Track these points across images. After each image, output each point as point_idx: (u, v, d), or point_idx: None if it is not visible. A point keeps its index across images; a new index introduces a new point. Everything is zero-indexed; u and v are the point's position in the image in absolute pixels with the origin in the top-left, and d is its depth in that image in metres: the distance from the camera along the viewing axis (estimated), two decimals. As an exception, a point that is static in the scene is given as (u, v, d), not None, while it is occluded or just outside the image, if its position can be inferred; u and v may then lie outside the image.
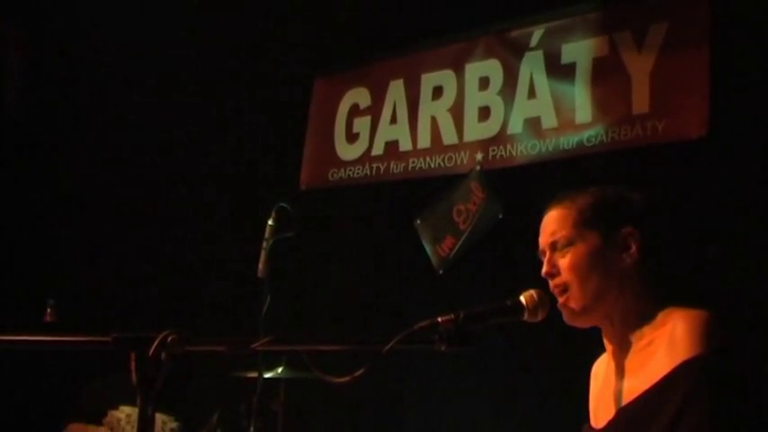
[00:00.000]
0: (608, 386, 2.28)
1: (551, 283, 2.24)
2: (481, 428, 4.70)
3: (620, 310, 2.22)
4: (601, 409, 2.31)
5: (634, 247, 2.23)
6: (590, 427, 2.34)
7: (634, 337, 2.20)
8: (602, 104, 4.54)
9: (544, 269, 2.27)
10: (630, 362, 2.20)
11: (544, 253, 2.30)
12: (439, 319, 2.08)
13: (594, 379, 2.42)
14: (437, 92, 5.29)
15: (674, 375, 2.02)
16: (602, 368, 2.36)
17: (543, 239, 2.31)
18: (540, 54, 4.85)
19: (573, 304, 2.21)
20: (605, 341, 2.32)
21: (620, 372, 2.23)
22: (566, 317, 2.24)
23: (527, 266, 2.40)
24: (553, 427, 4.25)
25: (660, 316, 2.17)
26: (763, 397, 2.09)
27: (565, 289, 2.23)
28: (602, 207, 2.27)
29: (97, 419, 4.81)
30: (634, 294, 2.21)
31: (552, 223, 2.30)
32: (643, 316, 2.19)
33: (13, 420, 6.18)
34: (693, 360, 2.01)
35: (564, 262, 2.24)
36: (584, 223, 2.25)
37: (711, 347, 2.01)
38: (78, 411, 4.90)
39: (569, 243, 2.24)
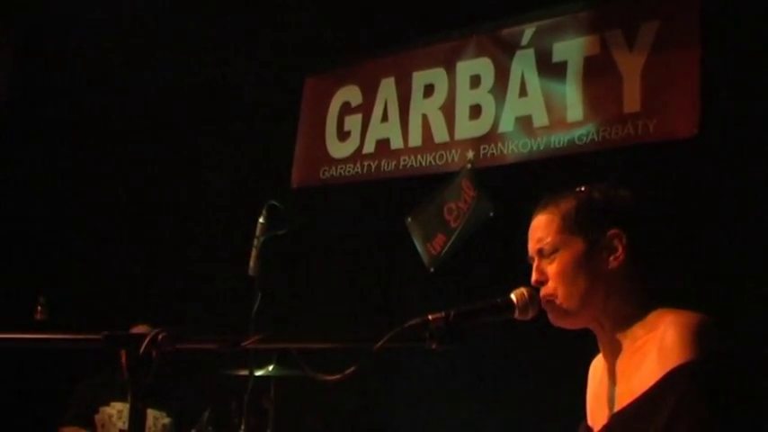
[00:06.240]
0: (603, 388, 2.27)
1: (541, 292, 2.22)
2: (472, 427, 4.70)
3: (610, 312, 2.20)
4: (596, 410, 2.30)
5: (620, 249, 2.20)
6: (587, 425, 2.34)
7: (625, 340, 2.18)
8: (593, 103, 4.55)
9: (533, 277, 2.25)
10: (622, 366, 2.18)
11: (533, 259, 2.29)
12: (430, 317, 2.08)
13: (592, 377, 2.41)
14: (428, 90, 5.29)
15: (664, 383, 2.00)
16: (599, 367, 2.35)
17: (531, 246, 2.29)
18: (531, 52, 4.86)
19: (558, 307, 2.21)
20: (599, 345, 2.31)
21: (613, 375, 2.22)
22: (551, 319, 2.23)
23: (518, 264, 2.40)
24: (545, 425, 4.26)
25: (650, 317, 2.15)
26: (755, 403, 2.07)
27: (554, 296, 2.22)
28: (587, 210, 2.24)
29: (89, 419, 4.80)
30: (622, 296, 2.19)
31: (538, 230, 2.28)
32: (633, 317, 2.17)
33: (4, 421, 6.17)
34: (683, 367, 1.99)
35: (551, 269, 2.22)
36: (568, 229, 2.22)
37: (702, 353, 1.98)
38: (70, 412, 4.89)
39: (555, 250, 2.22)
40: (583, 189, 2.30)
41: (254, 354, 4.11)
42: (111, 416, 4.75)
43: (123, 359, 4.12)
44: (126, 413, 4.65)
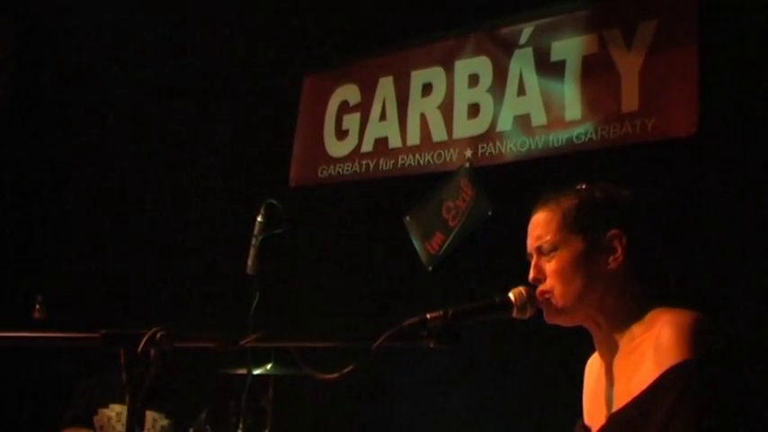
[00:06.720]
0: (600, 387, 2.26)
1: (537, 289, 2.22)
2: (469, 424, 4.70)
3: (606, 312, 2.20)
4: (594, 409, 2.30)
5: (620, 251, 2.19)
6: (583, 424, 2.34)
7: (622, 340, 2.18)
8: (591, 102, 4.55)
9: (531, 274, 2.24)
10: (620, 365, 2.18)
11: (531, 256, 2.28)
12: (428, 316, 2.07)
13: (589, 375, 2.40)
14: (426, 89, 5.29)
15: (660, 382, 2.00)
16: (596, 365, 2.34)
17: (529, 243, 2.28)
18: (529, 51, 4.86)
19: (553, 305, 2.20)
20: (594, 343, 2.30)
21: (610, 375, 2.21)
22: (546, 316, 2.23)
23: (516, 263, 2.39)
24: (543, 424, 4.26)
25: (648, 317, 2.14)
26: (752, 401, 2.07)
27: (550, 293, 2.21)
28: (588, 210, 2.23)
29: (89, 420, 4.79)
30: (620, 296, 2.19)
31: (537, 227, 2.26)
32: (630, 317, 2.17)
33: (6, 423, 6.17)
34: (680, 366, 1.98)
35: (549, 267, 2.21)
36: (568, 227, 2.21)
37: (698, 352, 1.98)
38: (70, 413, 4.88)
39: (554, 248, 2.21)
40: (584, 187, 2.30)
41: (252, 352, 4.11)
42: (109, 418, 4.72)
43: (122, 360, 4.10)
44: (125, 415, 4.63)
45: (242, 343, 2.01)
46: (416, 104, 5.31)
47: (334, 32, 5.77)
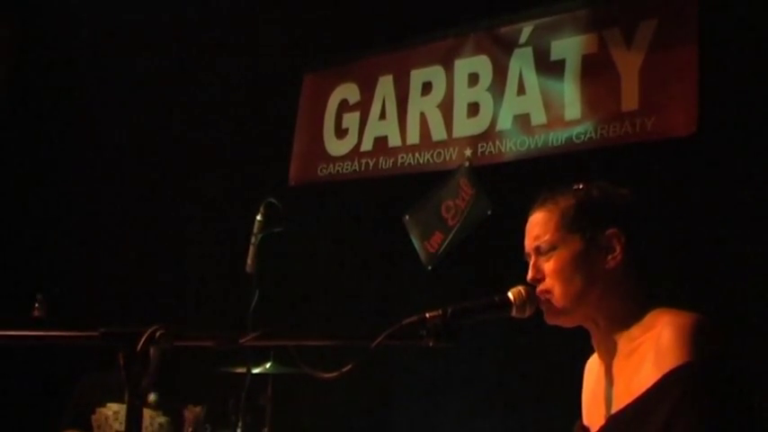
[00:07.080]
0: (599, 388, 2.25)
1: (537, 289, 2.21)
2: (469, 423, 4.70)
3: (606, 312, 2.19)
4: (593, 410, 2.29)
5: (618, 249, 2.19)
6: (582, 425, 2.33)
7: (621, 340, 2.17)
8: (591, 101, 4.55)
9: (529, 274, 2.23)
10: (619, 366, 2.17)
11: (529, 256, 2.27)
12: (427, 315, 2.07)
13: (588, 376, 2.39)
14: (426, 88, 5.29)
15: (661, 385, 1.99)
16: (595, 366, 2.33)
17: (528, 243, 2.27)
18: (529, 50, 4.86)
19: (553, 305, 2.20)
20: (593, 344, 2.30)
21: (609, 376, 2.20)
22: (546, 315, 2.22)
23: (515, 262, 2.39)
24: (542, 423, 4.26)
25: (648, 318, 2.14)
26: (754, 404, 2.06)
27: (549, 293, 2.21)
28: (586, 209, 2.22)
29: (87, 420, 4.79)
30: (619, 296, 2.18)
31: (535, 227, 2.26)
32: (629, 318, 2.16)
33: (6, 423, 6.17)
34: (680, 369, 1.97)
35: (548, 266, 2.20)
36: (566, 226, 2.21)
37: (699, 355, 1.97)
38: (68, 415, 4.88)
39: (552, 248, 2.20)
40: (581, 186, 2.29)
41: (251, 351, 4.11)
42: (107, 417, 4.72)
43: (121, 359, 4.08)
44: (122, 414, 4.62)
45: (241, 341, 2.00)
46: (416, 103, 5.31)
47: (333, 31, 5.77)
